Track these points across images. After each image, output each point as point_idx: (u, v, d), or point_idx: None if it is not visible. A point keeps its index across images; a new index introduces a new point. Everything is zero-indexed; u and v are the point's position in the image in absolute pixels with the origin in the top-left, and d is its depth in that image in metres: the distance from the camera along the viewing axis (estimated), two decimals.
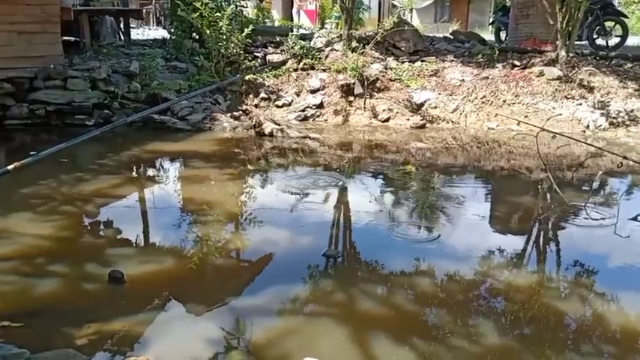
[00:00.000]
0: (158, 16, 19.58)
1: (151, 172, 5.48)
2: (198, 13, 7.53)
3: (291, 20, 13.04)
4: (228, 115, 7.18)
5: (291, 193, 4.53)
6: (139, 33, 13.41)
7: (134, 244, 3.46)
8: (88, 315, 2.50)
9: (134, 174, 5.29)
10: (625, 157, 4.00)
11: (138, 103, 7.14)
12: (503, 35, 10.85)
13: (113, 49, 8.90)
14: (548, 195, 4.69)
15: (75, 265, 3.10)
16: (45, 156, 2.39)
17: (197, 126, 6.84)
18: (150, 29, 16.82)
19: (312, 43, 8.78)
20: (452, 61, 8.40)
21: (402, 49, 8.60)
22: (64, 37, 8.31)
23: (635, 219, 3.89)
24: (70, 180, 4.66)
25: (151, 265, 3.10)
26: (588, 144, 5.09)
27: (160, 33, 11.94)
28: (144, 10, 15.45)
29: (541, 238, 3.95)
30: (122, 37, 10.14)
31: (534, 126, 4.88)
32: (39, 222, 3.71)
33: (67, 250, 3.33)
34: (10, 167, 2.03)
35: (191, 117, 6.97)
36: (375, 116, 7.47)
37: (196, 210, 4.09)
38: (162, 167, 5.60)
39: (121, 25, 10.25)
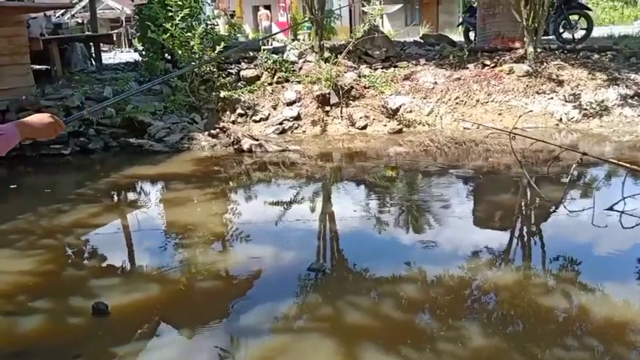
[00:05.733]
0: (129, 38, 19.52)
1: (131, 197, 5.43)
2: (168, 34, 7.52)
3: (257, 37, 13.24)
4: (206, 133, 7.16)
5: (275, 205, 4.55)
6: (110, 57, 13.35)
7: (118, 274, 3.42)
8: (74, 350, 2.47)
9: (114, 201, 5.24)
10: (585, 154, 4.08)
11: (114, 129, 7.09)
12: (472, 35, 11.03)
13: (85, 75, 8.84)
14: (526, 191, 4.76)
15: (58, 299, 3.06)
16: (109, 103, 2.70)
17: (175, 147, 6.81)
18: (122, 52, 16.76)
19: (285, 55, 8.81)
20: (424, 64, 8.51)
21: (375, 56, 8.68)
22: (35, 67, 8.23)
23: (610, 209, 3.97)
24: (48, 212, 4.60)
25: (136, 294, 3.07)
26: (548, 142, 5.21)
27: (132, 55, 11.89)
28: (114, 34, 15.40)
29: (522, 234, 4.01)
30: (94, 63, 10.08)
31: (502, 131, 4.98)
32: (19, 258, 3.65)
33: (49, 285, 3.28)
34: (84, 112, 2.28)
35: (168, 138, 6.93)
36: (353, 124, 7.52)
37: (180, 232, 4.06)
38: (143, 192, 5.55)
39: (92, 51, 10.19)
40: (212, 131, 7.22)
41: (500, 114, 7.38)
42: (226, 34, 9.27)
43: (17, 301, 3.04)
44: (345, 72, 8.09)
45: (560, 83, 7.67)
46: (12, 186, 5.67)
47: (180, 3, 7.56)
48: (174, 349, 2.54)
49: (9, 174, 6.31)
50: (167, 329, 2.72)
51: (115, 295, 3.03)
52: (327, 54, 8.40)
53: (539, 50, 8.15)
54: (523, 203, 4.63)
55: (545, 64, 7.98)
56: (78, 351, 2.46)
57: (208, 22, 8.48)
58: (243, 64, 8.80)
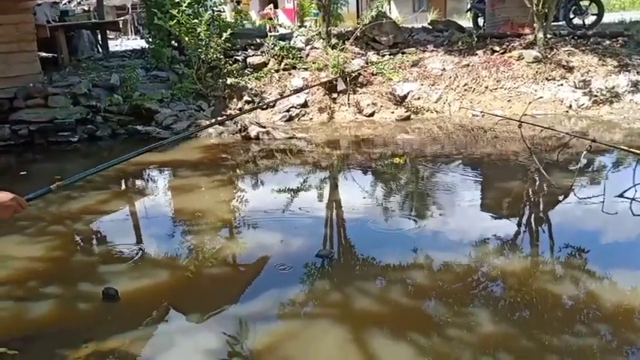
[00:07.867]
0: (136, 25, 19.45)
1: (139, 184, 5.44)
2: (175, 21, 7.48)
3: (264, 23, 13.19)
4: (213, 120, 7.14)
5: (282, 192, 4.55)
6: (117, 44, 13.31)
7: (127, 260, 3.43)
8: (84, 335, 2.48)
9: (122, 188, 5.26)
10: (594, 141, 4.03)
11: (121, 116, 7.11)
12: (481, 21, 10.89)
13: (92, 62, 8.83)
14: (535, 178, 4.72)
15: (68, 285, 3.08)
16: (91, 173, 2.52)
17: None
18: (128, 39, 16.72)
19: (292, 42, 8.76)
20: (432, 50, 8.43)
21: (382, 42, 8.61)
22: (42, 54, 8.23)
23: (621, 195, 3.94)
24: (57, 199, 4.61)
25: (146, 279, 3.09)
26: (557, 130, 5.16)
27: (139, 43, 11.86)
28: (121, 21, 15.34)
29: (531, 221, 3.98)
30: (100, 50, 10.06)
31: (511, 119, 4.91)
32: (29, 244, 3.67)
33: (59, 271, 3.31)
34: (52, 186, 2.14)
35: (175, 125, 6.93)
36: (360, 111, 7.48)
37: (188, 219, 4.07)
38: (151, 178, 5.56)
39: (99, 38, 10.17)
40: (219, 118, 7.20)
41: (509, 101, 7.31)
42: (232, 20, 9.22)
43: (28, 286, 3.07)
44: (353, 59, 8.03)
45: (570, 69, 7.58)
46: (22, 173, 5.71)
47: None
48: (183, 334, 2.55)
49: (18, 161, 6.35)
50: (176, 315, 2.73)
51: (125, 280, 3.05)
52: (334, 40, 8.35)
53: (549, 36, 8.04)
54: (532, 190, 4.60)
55: (555, 50, 7.88)
56: (88, 336, 2.48)
57: (215, 8, 8.44)
58: (249, 50, 8.77)
